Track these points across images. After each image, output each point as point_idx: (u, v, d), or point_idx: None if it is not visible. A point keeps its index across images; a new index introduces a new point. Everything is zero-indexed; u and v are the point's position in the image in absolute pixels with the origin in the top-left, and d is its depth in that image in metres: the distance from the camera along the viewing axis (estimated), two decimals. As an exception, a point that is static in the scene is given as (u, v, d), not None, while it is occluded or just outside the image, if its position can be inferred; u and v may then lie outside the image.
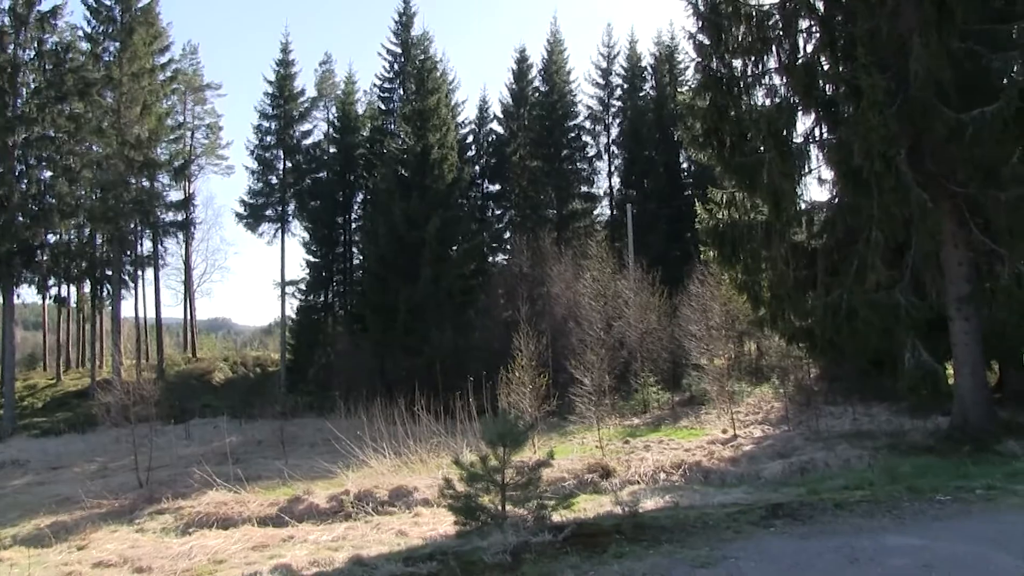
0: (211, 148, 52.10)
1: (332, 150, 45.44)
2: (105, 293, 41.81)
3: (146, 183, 40.74)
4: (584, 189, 44.72)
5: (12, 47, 33.98)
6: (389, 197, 35.45)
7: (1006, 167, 12.28)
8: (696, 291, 22.48)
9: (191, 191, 47.80)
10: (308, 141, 45.70)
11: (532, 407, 17.09)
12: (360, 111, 45.62)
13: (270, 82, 44.26)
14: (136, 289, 45.69)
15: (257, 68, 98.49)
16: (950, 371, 14.39)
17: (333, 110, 46.86)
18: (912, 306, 12.84)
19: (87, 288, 43.80)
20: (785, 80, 14.71)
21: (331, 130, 46.11)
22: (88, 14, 37.96)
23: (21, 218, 34.03)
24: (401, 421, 18.46)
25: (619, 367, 24.54)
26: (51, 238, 38.37)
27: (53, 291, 42.29)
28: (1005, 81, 12.51)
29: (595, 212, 45.09)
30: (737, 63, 15.34)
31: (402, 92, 42.59)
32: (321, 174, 45.17)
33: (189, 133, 49.27)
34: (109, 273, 39.96)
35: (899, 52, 12.67)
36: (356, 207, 45.89)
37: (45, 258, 37.57)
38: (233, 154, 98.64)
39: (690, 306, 23.23)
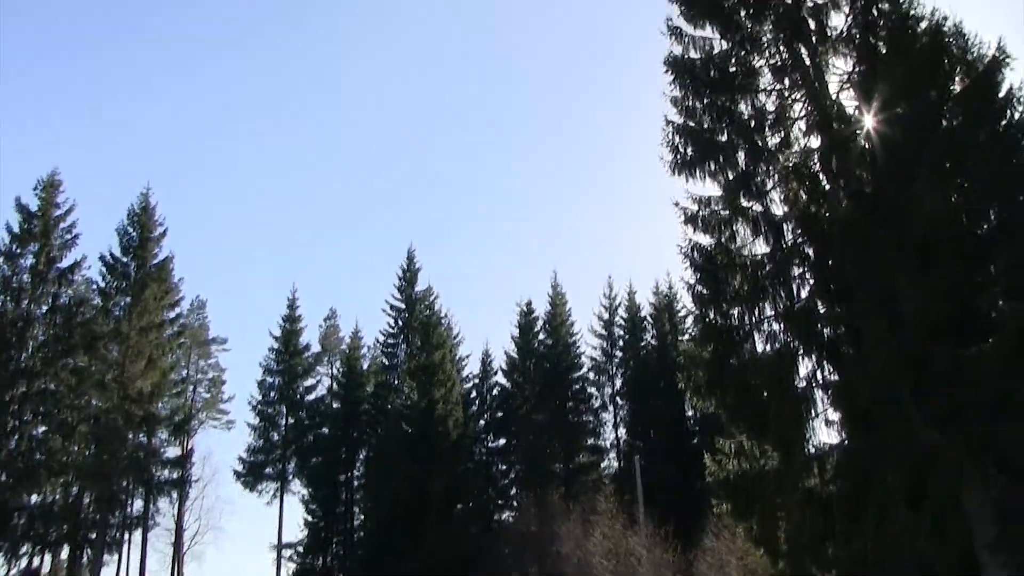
0: (212, 402, 51.59)
1: (335, 406, 45.53)
2: (85, 559, 39.24)
3: (143, 438, 39.90)
4: (591, 441, 44.15)
5: (27, 302, 34.76)
6: (393, 454, 34.74)
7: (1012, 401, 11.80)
8: (711, 545, 21.20)
9: (189, 447, 46.79)
10: (311, 396, 45.94)
11: None
12: (365, 366, 46.07)
13: (276, 337, 45.26)
14: (120, 554, 43.07)
15: (263, 322, 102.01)
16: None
17: (337, 365, 47.50)
18: (939, 554, 11.82)
19: (64, 554, 41.03)
20: (784, 326, 14.79)
21: (335, 385, 46.42)
22: (104, 269, 38.81)
23: (4, 478, 32.66)
24: None
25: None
26: (33, 498, 36.03)
27: (24, 560, 39.31)
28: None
29: (602, 465, 44.14)
30: (735, 312, 15.56)
31: (406, 347, 43.53)
32: (324, 430, 44.89)
33: (191, 387, 48.87)
34: (92, 536, 37.50)
35: (892, 293, 12.67)
36: (359, 464, 44.99)
37: (21, 521, 34.77)
38: (235, 408, 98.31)
39: (706, 562, 21.77)
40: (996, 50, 14.12)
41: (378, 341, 45.92)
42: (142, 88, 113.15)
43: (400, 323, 44.70)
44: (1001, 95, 13.85)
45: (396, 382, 41.73)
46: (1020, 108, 13.78)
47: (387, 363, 44.95)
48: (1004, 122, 13.92)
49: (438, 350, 38.10)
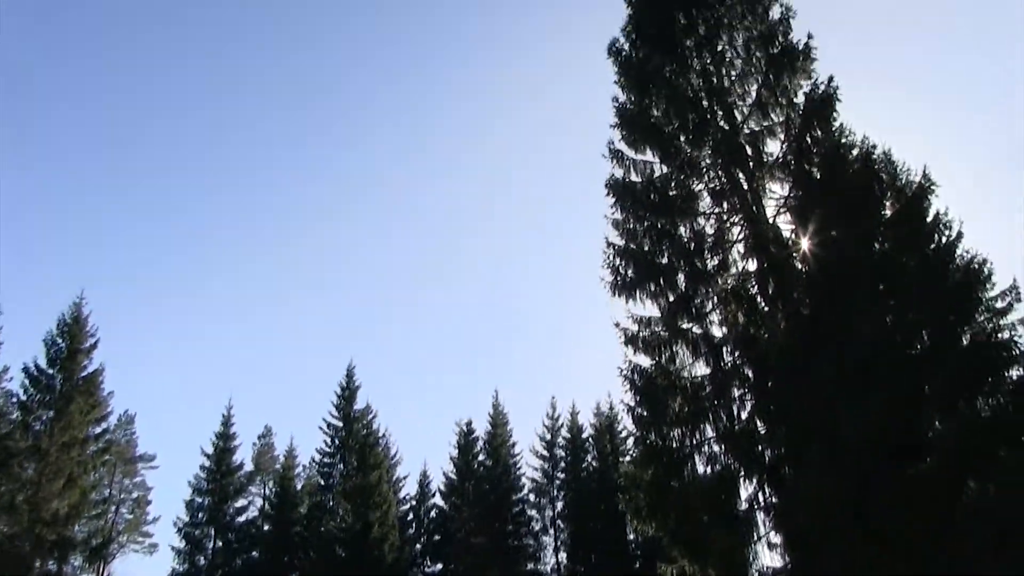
0: (135, 524, 47.86)
1: (267, 528, 43.13)
2: None
3: (53, 566, 36.86)
4: (531, 566, 42.73)
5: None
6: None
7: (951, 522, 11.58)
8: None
9: (106, 574, 43.69)
10: (242, 518, 43.61)
11: None
12: (299, 487, 44.29)
13: (207, 455, 43.30)
14: None
15: (195, 439, 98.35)
16: None
17: (271, 485, 45.31)
18: None
19: None
20: (724, 448, 14.54)
21: (267, 506, 44.18)
22: (27, 382, 35.88)
23: None
24: None
25: None
26: None
27: None
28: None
29: (543, 590, 42.19)
30: (675, 433, 15.23)
31: (343, 467, 41.86)
32: (254, 554, 42.24)
33: (113, 508, 45.31)
34: None
35: (832, 415, 12.46)
36: (291, 590, 42.22)
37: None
38: (159, 531, 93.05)
39: None
40: (922, 177, 14.62)
41: (314, 460, 44.21)
42: (74, 193, 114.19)
43: (337, 442, 43.24)
44: (929, 220, 14.26)
45: (331, 503, 40.02)
46: (947, 233, 14.16)
47: (322, 483, 43.15)
48: (933, 246, 14.23)
49: (375, 471, 37.12)
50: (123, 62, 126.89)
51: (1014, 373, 12.24)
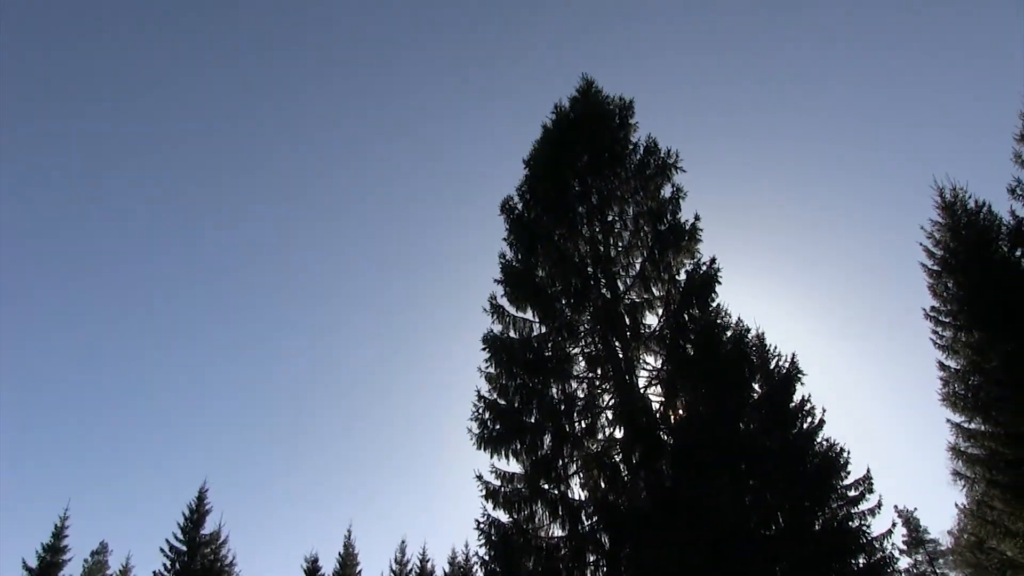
0: None
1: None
2: None
3: None
4: None
5: None
6: None
7: None
8: None
9: None
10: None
11: None
12: None
13: (30, 568, 38.24)
14: None
15: (20, 550, 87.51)
16: None
17: None
18: None
19: None
20: None
21: None
22: None
23: None
24: None
25: None
26: None
27: None
28: None
29: None
30: None
31: None
32: None
33: None
34: None
35: None
36: None
37: None
38: None
39: None
40: (790, 365, 14.73)
41: None
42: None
43: (178, 567, 38.87)
44: (793, 405, 14.22)
45: None
46: (809, 419, 14.10)
47: None
48: (795, 431, 14.11)
49: None
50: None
51: (861, 560, 11.80)
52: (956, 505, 19.95)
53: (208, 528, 40.20)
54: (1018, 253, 19.98)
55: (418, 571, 43.54)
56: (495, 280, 17.55)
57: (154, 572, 39.96)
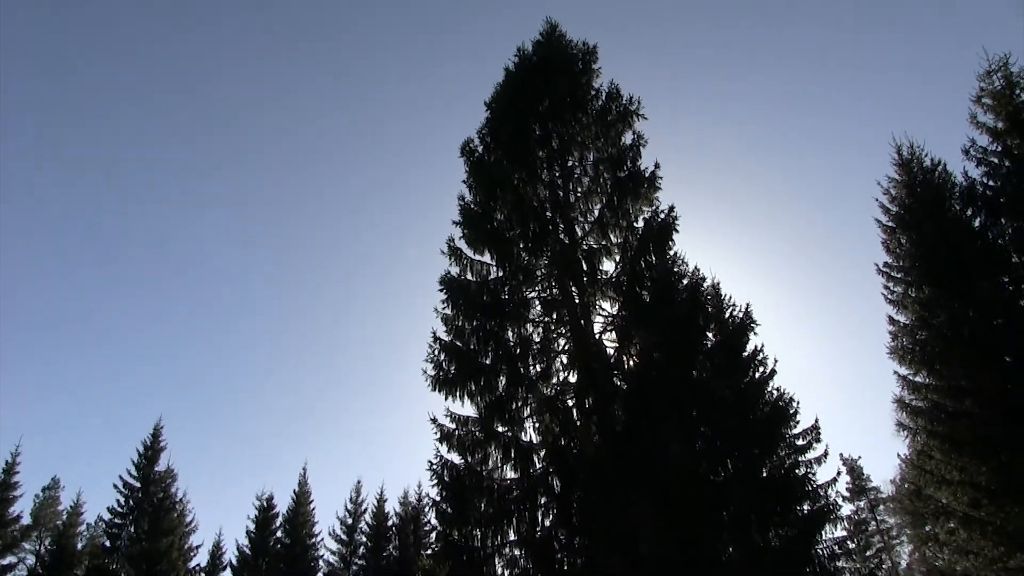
0: None
1: (34, 592, 37.23)
2: None
3: None
4: None
5: None
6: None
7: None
8: None
9: None
10: (9, 576, 37.58)
11: None
12: (80, 546, 38.88)
13: None
14: None
15: None
16: None
17: (48, 542, 39.58)
18: None
19: None
20: (524, 552, 14.01)
21: (38, 566, 38.17)
22: None
23: None
24: None
25: None
26: None
27: None
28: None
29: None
30: (478, 533, 14.61)
31: (133, 530, 37.32)
32: (17, 617, 36.29)
33: None
34: None
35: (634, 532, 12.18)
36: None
37: None
38: None
39: None
40: (744, 314, 14.83)
41: (101, 519, 39.07)
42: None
43: (131, 503, 38.71)
44: (745, 355, 14.36)
45: (115, 566, 35.31)
46: (761, 368, 14.26)
47: (107, 545, 38.12)
48: (746, 379, 14.27)
49: (166, 536, 33.85)
50: None
51: (805, 507, 12.10)
52: (898, 455, 20.56)
53: (161, 466, 39.97)
54: (969, 213, 20.24)
55: (375, 510, 44.01)
56: (454, 222, 17.35)
57: (108, 508, 39.82)
